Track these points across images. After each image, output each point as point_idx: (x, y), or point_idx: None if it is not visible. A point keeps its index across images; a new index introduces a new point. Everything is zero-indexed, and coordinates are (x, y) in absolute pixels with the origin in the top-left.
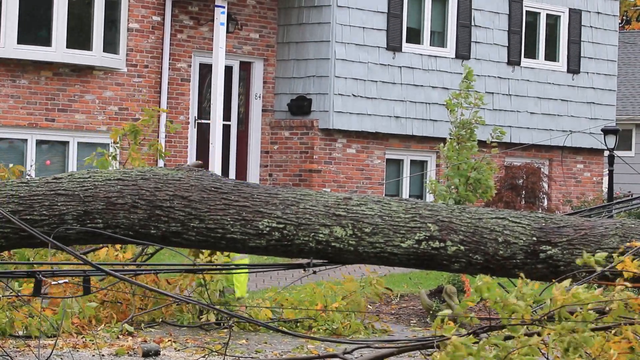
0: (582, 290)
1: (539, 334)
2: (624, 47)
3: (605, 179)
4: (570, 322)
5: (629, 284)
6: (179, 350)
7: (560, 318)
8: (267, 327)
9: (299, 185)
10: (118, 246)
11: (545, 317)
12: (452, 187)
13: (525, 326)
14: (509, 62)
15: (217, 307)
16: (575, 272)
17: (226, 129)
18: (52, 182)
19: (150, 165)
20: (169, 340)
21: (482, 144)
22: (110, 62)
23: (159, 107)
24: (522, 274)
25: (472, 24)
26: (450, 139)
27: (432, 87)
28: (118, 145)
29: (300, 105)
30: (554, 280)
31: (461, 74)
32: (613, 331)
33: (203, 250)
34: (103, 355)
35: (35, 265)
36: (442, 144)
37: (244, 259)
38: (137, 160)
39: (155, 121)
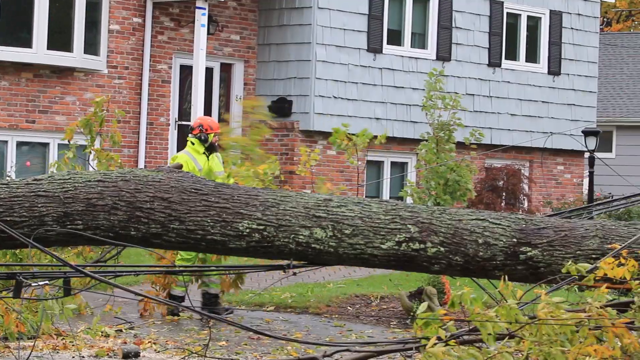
0: (564, 307)
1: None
2: (605, 49)
3: (586, 181)
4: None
5: (606, 293)
6: (159, 351)
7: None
8: (246, 329)
9: (280, 187)
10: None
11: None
12: (430, 189)
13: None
14: (490, 64)
15: (196, 308)
16: (556, 276)
17: None
18: (32, 183)
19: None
20: (149, 342)
21: (462, 145)
22: (90, 63)
23: (139, 108)
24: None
25: (453, 25)
26: (426, 141)
27: (413, 88)
28: (72, 144)
29: (281, 107)
30: (535, 284)
31: (442, 75)
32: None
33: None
34: (83, 356)
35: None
36: (420, 146)
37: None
38: (102, 155)
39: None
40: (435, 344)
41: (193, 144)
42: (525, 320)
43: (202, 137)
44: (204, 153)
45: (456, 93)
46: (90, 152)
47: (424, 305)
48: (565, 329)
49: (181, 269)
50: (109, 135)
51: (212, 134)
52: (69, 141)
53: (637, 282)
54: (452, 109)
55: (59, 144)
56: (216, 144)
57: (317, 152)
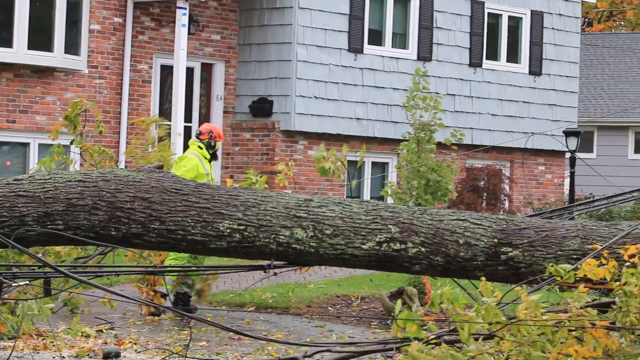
0: (545, 308)
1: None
2: (586, 49)
3: (567, 181)
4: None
5: (586, 293)
6: (139, 352)
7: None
8: (227, 330)
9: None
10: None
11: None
12: (411, 189)
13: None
14: (471, 64)
15: (175, 309)
16: (537, 276)
17: (187, 131)
18: (12, 183)
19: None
20: (129, 342)
21: (443, 145)
22: (71, 63)
23: (120, 108)
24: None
25: (434, 25)
26: (407, 141)
27: (394, 88)
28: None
29: (262, 107)
30: (516, 285)
31: (423, 76)
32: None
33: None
34: (63, 357)
35: None
36: (401, 146)
37: None
38: (94, 150)
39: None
40: (414, 343)
41: (201, 148)
42: (505, 320)
43: (212, 144)
44: (208, 159)
45: (437, 93)
46: (81, 148)
47: (398, 305)
48: (545, 329)
49: (162, 269)
50: (96, 128)
51: (219, 142)
52: (54, 139)
53: (617, 283)
54: (434, 110)
55: (39, 144)
56: (216, 149)
57: (291, 165)
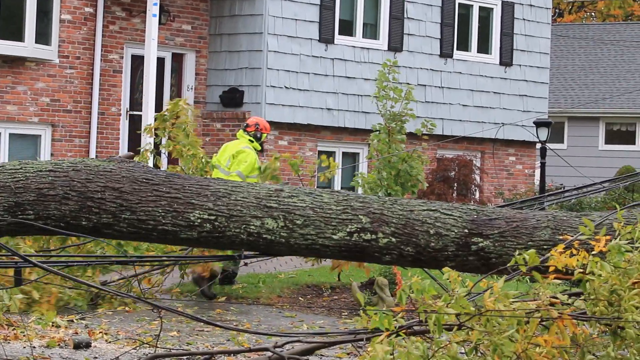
0: (513, 298)
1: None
2: (557, 40)
3: (538, 172)
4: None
5: (555, 283)
6: (110, 342)
7: (488, 323)
8: (197, 320)
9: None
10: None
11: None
12: (382, 180)
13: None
14: (442, 55)
15: (145, 298)
16: (507, 266)
17: None
18: None
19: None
20: (100, 332)
21: (413, 136)
22: (42, 53)
23: (91, 98)
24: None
25: (405, 16)
26: (378, 132)
27: (365, 79)
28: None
29: (232, 97)
30: (486, 274)
31: (392, 66)
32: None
33: None
34: (34, 347)
35: None
36: (372, 136)
37: None
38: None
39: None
40: (383, 335)
41: (252, 141)
42: (474, 310)
43: (258, 136)
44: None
45: (408, 84)
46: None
47: (360, 296)
48: (513, 319)
49: (133, 259)
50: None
51: (265, 135)
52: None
53: (581, 270)
54: (405, 100)
55: (10, 134)
56: (265, 143)
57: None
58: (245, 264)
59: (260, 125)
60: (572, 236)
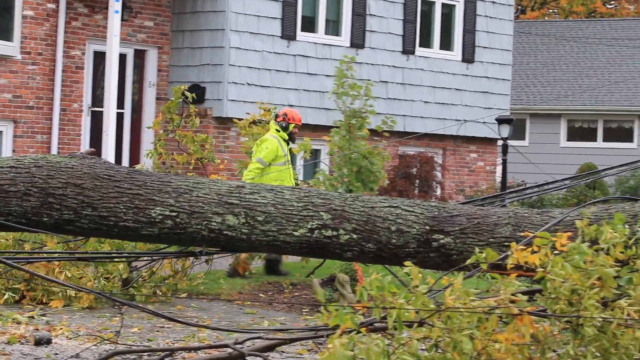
0: (474, 295)
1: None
2: (519, 37)
3: (499, 168)
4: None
5: (514, 279)
6: (71, 338)
7: (449, 320)
8: (158, 316)
9: (192, 174)
10: None
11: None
12: (343, 176)
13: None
14: (404, 51)
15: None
16: (467, 263)
17: (120, 117)
18: None
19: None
20: (60, 328)
21: (375, 133)
22: (4, 49)
23: (53, 94)
24: (409, 263)
25: (367, 12)
26: (338, 128)
27: (327, 75)
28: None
29: (194, 94)
30: (447, 271)
31: (356, 62)
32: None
33: None
34: None
35: None
36: (332, 133)
37: None
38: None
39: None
40: (343, 332)
41: (278, 130)
42: (434, 307)
43: (283, 125)
44: (285, 141)
45: (368, 80)
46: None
47: (320, 292)
48: (474, 317)
49: (94, 256)
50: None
51: (293, 125)
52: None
53: (543, 269)
54: (365, 97)
55: None
56: (294, 135)
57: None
58: (207, 261)
59: (288, 115)
60: (532, 233)
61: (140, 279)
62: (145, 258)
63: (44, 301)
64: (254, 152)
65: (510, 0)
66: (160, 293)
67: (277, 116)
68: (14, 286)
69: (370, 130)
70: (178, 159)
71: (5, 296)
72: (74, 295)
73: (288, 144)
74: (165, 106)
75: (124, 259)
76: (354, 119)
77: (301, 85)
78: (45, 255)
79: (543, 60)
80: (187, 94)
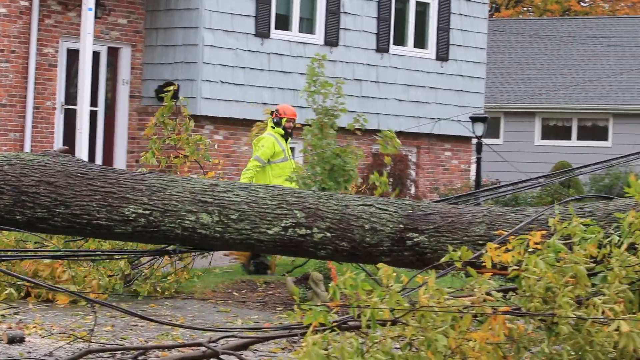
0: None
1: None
2: (493, 35)
3: (473, 167)
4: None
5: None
6: (44, 337)
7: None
8: (132, 314)
9: (166, 172)
10: None
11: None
12: (316, 175)
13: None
14: (378, 50)
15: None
16: (442, 262)
17: (93, 115)
18: None
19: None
20: (34, 327)
21: (348, 131)
22: None
23: (26, 92)
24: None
25: (341, 10)
26: (310, 126)
27: (301, 74)
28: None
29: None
30: (421, 270)
31: (329, 61)
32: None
33: None
34: None
35: None
36: (304, 131)
37: None
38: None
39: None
40: (317, 331)
41: (273, 127)
42: (408, 306)
43: (275, 121)
44: (283, 136)
45: (338, 78)
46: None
47: (295, 291)
48: (448, 315)
49: (67, 254)
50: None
51: (285, 119)
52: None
53: (517, 267)
54: (336, 95)
55: None
56: (289, 130)
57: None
58: (180, 259)
59: (280, 110)
60: (507, 231)
61: (140, 276)
62: (119, 256)
63: (50, 298)
64: (253, 151)
65: None
66: (160, 290)
67: (271, 113)
68: (17, 282)
69: (343, 128)
70: (175, 161)
71: (7, 290)
72: (78, 292)
73: (287, 140)
74: (159, 112)
75: (97, 258)
76: (326, 118)
77: (275, 84)
78: (16, 254)
79: (517, 59)
80: (181, 97)
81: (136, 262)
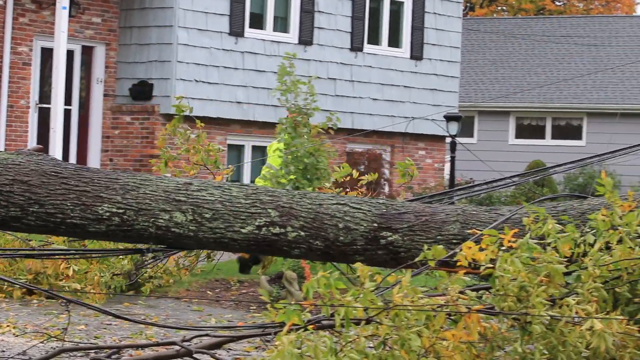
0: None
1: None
2: (468, 34)
3: (447, 166)
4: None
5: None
6: (17, 335)
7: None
8: (105, 313)
9: (140, 171)
10: None
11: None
12: (290, 174)
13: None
14: (352, 48)
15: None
16: (415, 260)
17: (67, 114)
18: None
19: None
20: (7, 326)
21: (322, 130)
22: None
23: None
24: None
25: (315, 9)
26: (283, 125)
27: (275, 72)
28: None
29: (142, 90)
30: (395, 269)
31: (304, 60)
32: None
33: None
34: None
35: None
36: (278, 130)
37: None
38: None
39: None
40: (290, 330)
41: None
42: (382, 305)
43: None
44: None
45: (310, 77)
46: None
47: (265, 291)
48: (422, 314)
49: (38, 252)
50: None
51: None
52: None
53: (491, 266)
54: (309, 94)
55: None
56: None
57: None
58: (154, 258)
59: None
60: (480, 230)
61: (143, 274)
62: (94, 255)
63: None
64: (269, 160)
65: None
66: (161, 285)
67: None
68: (19, 278)
69: (317, 127)
70: (186, 169)
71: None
72: (80, 289)
73: None
74: (171, 124)
75: (69, 256)
76: (299, 116)
77: (249, 82)
78: None
79: (492, 58)
80: (186, 106)
81: (139, 261)
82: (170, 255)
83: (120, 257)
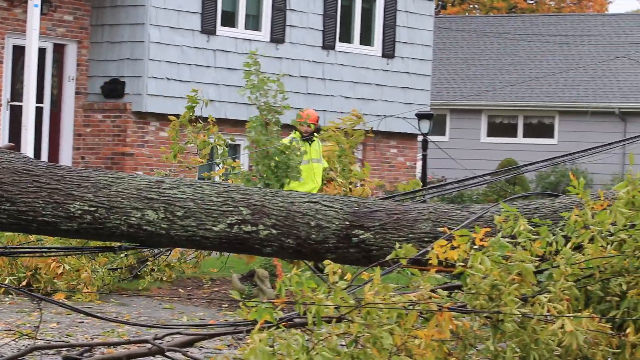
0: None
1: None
2: (440, 32)
3: (419, 164)
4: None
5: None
6: None
7: (369, 316)
8: (77, 311)
9: (112, 169)
10: None
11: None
12: (260, 172)
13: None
14: (324, 47)
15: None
16: (387, 259)
17: (39, 112)
18: None
19: None
20: None
21: (292, 127)
22: None
23: None
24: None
25: (287, 7)
26: (253, 123)
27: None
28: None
29: (114, 88)
30: (367, 267)
31: (275, 57)
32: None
33: None
34: None
35: None
36: (248, 127)
37: None
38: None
39: None
40: (262, 328)
41: (295, 131)
42: (353, 303)
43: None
44: (306, 140)
45: (276, 74)
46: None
47: (235, 290)
48: (394, 312)
49: (12, 251)
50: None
51: (299, 123)
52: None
53: (463, 265)
54: (278, 91)
55: None
56: (306, 133)
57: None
58: (126, 256)
59: (303, 115)
60: (452, 229)
61: (145, 269)
62: (62, 253)
63: (49, 291)
64: None
65: None
66: (164, 279)
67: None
68: (18, 274)
69: (287, 125)
70: (194, 162)
71: (6, 281)
72: (74, 287)
73: (310, 143)
74: (183, 116)
75: (37, 254)
76: (269, 114)
77: (221, 80)
78: None
79: (463, 56)
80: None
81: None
82: (173, 250)
83: (66, 255)
